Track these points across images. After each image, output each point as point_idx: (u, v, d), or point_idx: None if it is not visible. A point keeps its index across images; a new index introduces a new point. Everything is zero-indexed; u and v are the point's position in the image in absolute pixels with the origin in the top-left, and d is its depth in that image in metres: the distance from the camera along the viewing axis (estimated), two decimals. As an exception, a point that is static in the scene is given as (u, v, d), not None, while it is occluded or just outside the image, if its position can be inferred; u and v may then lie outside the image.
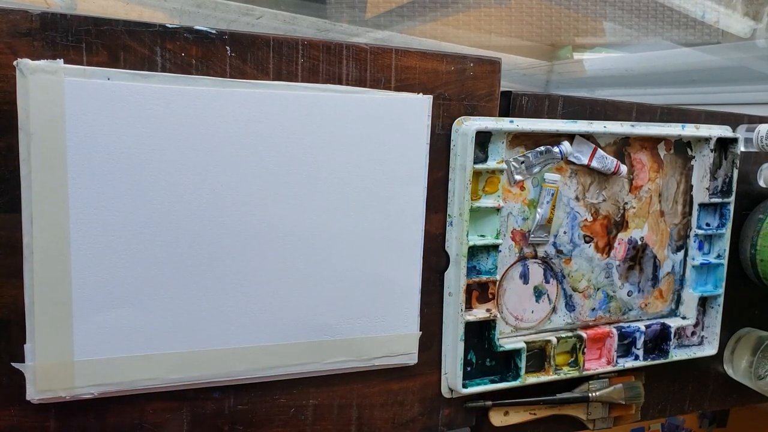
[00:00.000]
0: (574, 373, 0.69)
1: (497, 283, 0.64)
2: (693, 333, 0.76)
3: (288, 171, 0.55)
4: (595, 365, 0.70)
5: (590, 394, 0.71)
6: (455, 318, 0.62)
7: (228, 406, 0.57)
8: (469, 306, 0.63)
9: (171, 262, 0.52)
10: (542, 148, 0.64)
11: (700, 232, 0.74)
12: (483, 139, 0.61)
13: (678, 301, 0.76)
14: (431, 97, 0.59)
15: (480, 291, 0.64)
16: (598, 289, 0.71)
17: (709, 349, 0.76)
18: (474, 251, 0.62)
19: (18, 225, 0.48)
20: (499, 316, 0.65)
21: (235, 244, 0.54)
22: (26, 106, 0.46)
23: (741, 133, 0.74)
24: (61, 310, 0.49)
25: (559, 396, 0.70)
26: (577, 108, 0.67)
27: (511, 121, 0.62)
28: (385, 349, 0.61)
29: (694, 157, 0.74)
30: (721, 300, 0.75)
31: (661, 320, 0.74)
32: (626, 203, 0.71)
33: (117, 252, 0.50)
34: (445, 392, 0.65)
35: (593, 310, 0.71)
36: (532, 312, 0.68)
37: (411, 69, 0.59)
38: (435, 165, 0.61)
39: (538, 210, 0.65)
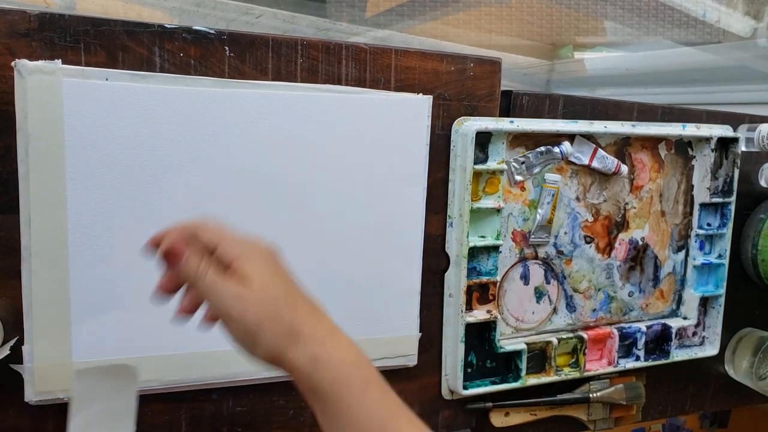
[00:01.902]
0: (574, 374, 0.68)
1: (498, 284, 0.64)
2: (694, 333, 0.76)
3: (287, 172, 0.55)
4: (596, 366, 0.70)
5: (591, 395, 0.71)
6: (455, 319, 0.62)
7: (227, 407, 0.57)
8: (469, 307, 0.63)
9: (170, 263, 0.52)
10: (543, 148, 0.64)
11: (701, 232, 0.73)
12: (483, 140, 0.61)
13: (679, 302, 0.76)
14: (431, 97, 0.59)
15: (480, 292, 0.63)
16: (599, 289, 0.71)
17: (710, 350, 0.76)
18: (474, 252, 0.62)
19: (16, 226, 0.48)
20: (499, 317, 0.64)
21: (235, 245, 0.54)
22: (24, 106, 0.46)
23: (742, 132, 0.74)
24: (60, 312, 0.49)
25: (559, 397, 0.70)
26: (578, 108, 0.67)
27: (512, 122, 0.62)
28: (385, 351, 0.61)
29: (695, 157, 0.73)
30: (722, 300, 0.74)
31: (662, 321, 0.74)
32: (627, 203, 0.70)
33: (115, 253, 0.50)
34: (446, 394, 0.65)
35: (594, 310, 0.71)
36: (533, 313, 0.68)
37: (411, 69, 0.59)
38: (435, 166, 0.61)
39: (539, 211, 0.65)
